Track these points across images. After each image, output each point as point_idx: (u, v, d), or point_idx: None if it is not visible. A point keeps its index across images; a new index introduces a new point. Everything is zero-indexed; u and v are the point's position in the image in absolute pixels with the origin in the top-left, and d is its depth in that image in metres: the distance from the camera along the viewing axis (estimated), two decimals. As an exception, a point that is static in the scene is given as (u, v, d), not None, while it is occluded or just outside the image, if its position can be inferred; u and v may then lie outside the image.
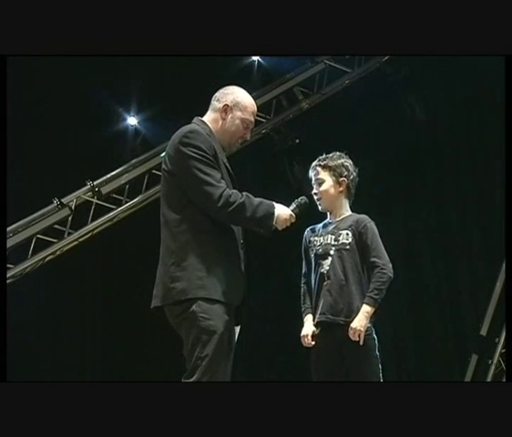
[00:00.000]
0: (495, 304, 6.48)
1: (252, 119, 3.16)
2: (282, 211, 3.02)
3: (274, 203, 3.02)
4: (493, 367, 6.37)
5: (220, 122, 3.10)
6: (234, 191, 2.93)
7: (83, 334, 6.63)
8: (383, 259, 3.49)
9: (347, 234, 3.53)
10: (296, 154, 6.55)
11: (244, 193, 2.95)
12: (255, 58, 6.74)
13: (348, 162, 3.64)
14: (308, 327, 3.53)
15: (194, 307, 2.83)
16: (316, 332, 3.50)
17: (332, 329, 3.46)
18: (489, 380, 6.28)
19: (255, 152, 6.33)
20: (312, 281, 3.58)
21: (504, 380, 6.27)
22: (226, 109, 3.10)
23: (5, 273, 3.89)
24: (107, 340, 6.55)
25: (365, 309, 3.38)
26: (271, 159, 6.78)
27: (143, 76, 6.27)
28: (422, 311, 6.82)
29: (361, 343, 3.36)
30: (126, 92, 6.41)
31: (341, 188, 3.59)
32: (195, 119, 3.13)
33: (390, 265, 3.49)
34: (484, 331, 6.46)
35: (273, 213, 2.97)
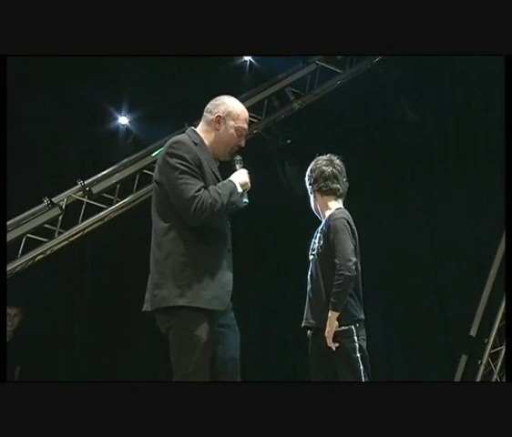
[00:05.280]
0: (484, 305, 6.53)
1: (245, 126, 3.23)
2: (239, 177, 3.15)
3: (230, 178, 3.14)
4: (482, 367, 6.41)
5: (214, 133, 3.18)
6: (204, 195, 2.98)
7: (73, 333, 6.60)
8: (340, 258, 3.40)
9: (319, 237, 3.56)
10: (287, 154, 6.56)
11: (210, 187, 3.03)
12: (247, 58, 6.74)
13: (312, 165, 3.64)
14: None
15: (178, 317, 2.94)
16: (309, 335, 3.58)
17: (316, 332, 3.50)
18: (478, 380, 6.32)
19: (246, 152, 6.33)
20: None
21: (493, 380, 6.32)
22: (219, 120, 3.18)
23: (5, 273, 3.87)
24: (97, 340, 6.53)
25: (328, 315, 3.39)
26: (263, 159, 6.79)
27: (134, 76, 6.26)
28: (411, 312, 6.85)
29: (333, 348, 3.37)
30: (117, 91, 6.39)
31: (312, 195, 3.65)
32: (188, 129, 3.23)
33: (349, 263, 3.38)
34: (473, 332, 6.50)
35: (235, 185, 3.10)
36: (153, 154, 6.25)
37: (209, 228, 3.03)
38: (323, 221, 3.60)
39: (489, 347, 6.44)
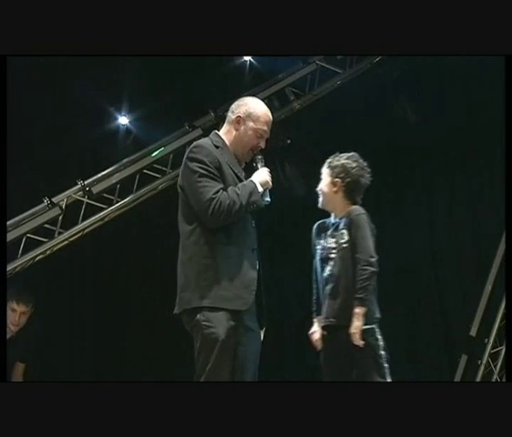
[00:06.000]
0: (484, 305, 6.53)
1: (266, 128, 3.25)
2: (260, 176, 3.17)
3: (250, 179, 3.16)
4: (482, 367, 6.41)
5: (234, 133, 3.22)
6: (222, 196, 3.01)
7: (73, 334, 6.60)
8: (364, 253, 3.42)
9: (342, 233, 3.52)
10: (287, 154, 6.55)
11: (229, 188, 3.05)
12: (247, 58, 6.74)
13: (350, 164, 3.59)
14: (316, 326, 3.58)
15: (199, 316, 2.99)
16: (324, 334, 3.53)
17: (338, 331, 3.46)
18: (478, 380, 6.32)
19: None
20: (319, 285, 3.60)
21: (493, 380, 6.32)
22: (239, 121, 3.21)
23: (5, 273, 3.87)
24: (97, 340, 6.53)
25: (356, 311, 3.37)
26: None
27: (134, 76, 6.26)
28: (411, 312, 6.84)
29: (360, 345, 3.35)
30: (117, 91, 6.39)
31: (334, 189, 3.58)
32: (212, 133, 3.28)
33: (373, 259, 3.42)
34: (473, 332, 6.50)
35: (255, 185, 3.11)
36: (153, 154, 6.25)
37: (232, 228, 3.06)
38: (342, 219, 3.55)
39: (489, 347, 6.44)
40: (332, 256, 3.53)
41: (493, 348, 6.45)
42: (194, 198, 3.04)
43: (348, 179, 3.57)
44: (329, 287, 3.52)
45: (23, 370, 5.21)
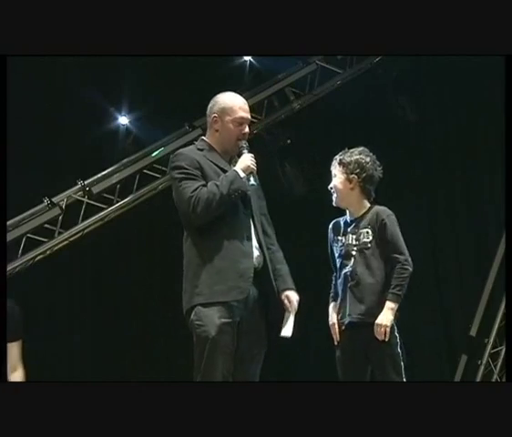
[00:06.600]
0: (484, 305, 6.54)
1: (243, 114, 3.25)
2: (242, 162, 3.17)
3: (233, 168, 3.17)
4: (482, 367, 6.42)
5: (216, 134, 3.26)
6: (200, 192, 3.04)
7: (73, 334, 6.60)
8: (403, 254, 3.46)
9: (367, 232, 3.50)
10: (288, 154, 6.55)
11: (209, 183, 3.08)
12: (247, 58, 6.74)
13: (364, 159, 3.57)
14: (334, 316, 3.55)
15: (192, 315, 3.02)
16: (344, 329, 3.50)
17: (359, 328, 3.45)
18: (478, 380, 6.33)
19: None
20: (338, 281, 3.58)
21: (493, 380, 6.33)
22: (216, 120, 3.25)
23: (5, 273, 3.86)
24: (98, 340, 6.53)
25: (389, 306, 3.39)
26: (263, 160, 6.77)
27: (134, 76, 6.26)
28: (411, 312, 6.83)
29: (386, 339, 3.37)
30: (117, 91, 6.39)
31: (351, 186, 3.55)
32: (198, 140, 3.38)
33: (410, 259, 3.47)
34: (473, 332, 6.51)
35: (236, 172, 3.12)
36: (153, 154, 6.25)
37: (221, 222, 3.07)
38: (364, 217, 3.53)
39: (489, 347, 6.45)
40: (353, 253, 3.51)
41: (493, 348, 6.46)
42: (178, 202, 3.11)
43: (364, 175, 3.55)
44: (350, 284, 3.49)
45: (19, 349, 4.86)
